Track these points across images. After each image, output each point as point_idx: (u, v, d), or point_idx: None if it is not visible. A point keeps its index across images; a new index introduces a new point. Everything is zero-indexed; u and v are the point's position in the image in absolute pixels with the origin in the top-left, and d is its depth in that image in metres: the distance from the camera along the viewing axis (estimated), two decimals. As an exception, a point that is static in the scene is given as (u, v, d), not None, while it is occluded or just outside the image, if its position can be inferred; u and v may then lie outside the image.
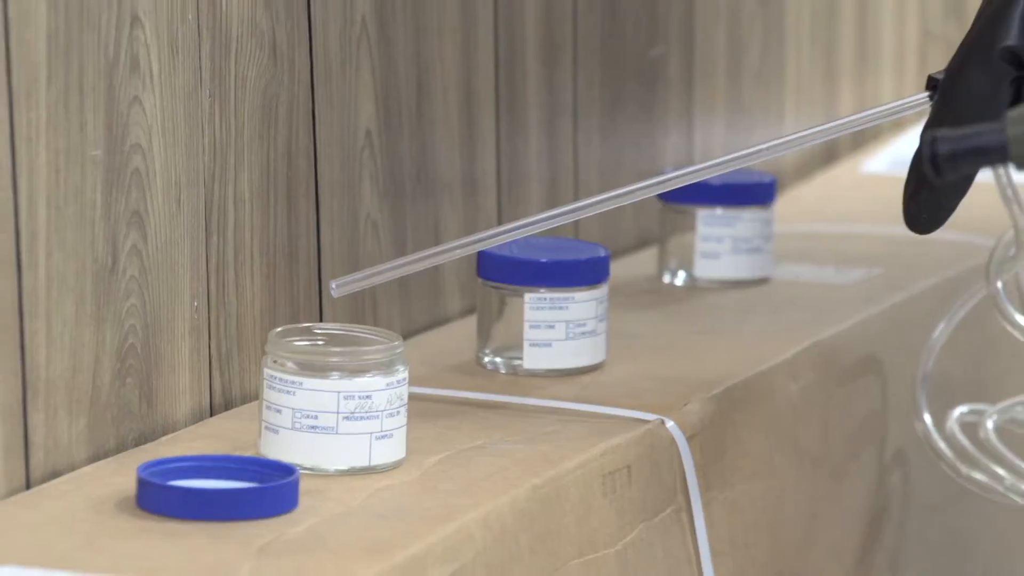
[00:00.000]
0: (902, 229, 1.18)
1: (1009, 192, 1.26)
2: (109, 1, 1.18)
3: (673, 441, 1.27)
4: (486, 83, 1.53)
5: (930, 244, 1.21)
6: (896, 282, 1.57)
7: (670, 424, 1.27)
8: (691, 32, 1.76)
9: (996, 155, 1.01)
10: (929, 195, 1.18)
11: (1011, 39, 1.16)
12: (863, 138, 2.03)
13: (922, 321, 1.43)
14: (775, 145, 1.27)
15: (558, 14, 1.59)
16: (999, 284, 1.29)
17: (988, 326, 1.35)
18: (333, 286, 1.26)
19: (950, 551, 1.54)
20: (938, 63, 1.99)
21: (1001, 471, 1.32)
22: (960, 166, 1.02)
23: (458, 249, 1.27)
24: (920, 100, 1.21)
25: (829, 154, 1.98)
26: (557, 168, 1.60)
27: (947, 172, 1.02)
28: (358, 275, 1.27)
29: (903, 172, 1.18)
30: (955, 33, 2.09)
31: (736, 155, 1.27)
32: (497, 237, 1.27)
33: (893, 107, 1.25)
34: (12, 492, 1.13)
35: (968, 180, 1.17)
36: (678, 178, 1.28)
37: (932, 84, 1.18)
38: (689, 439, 1.27)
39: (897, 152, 1.98)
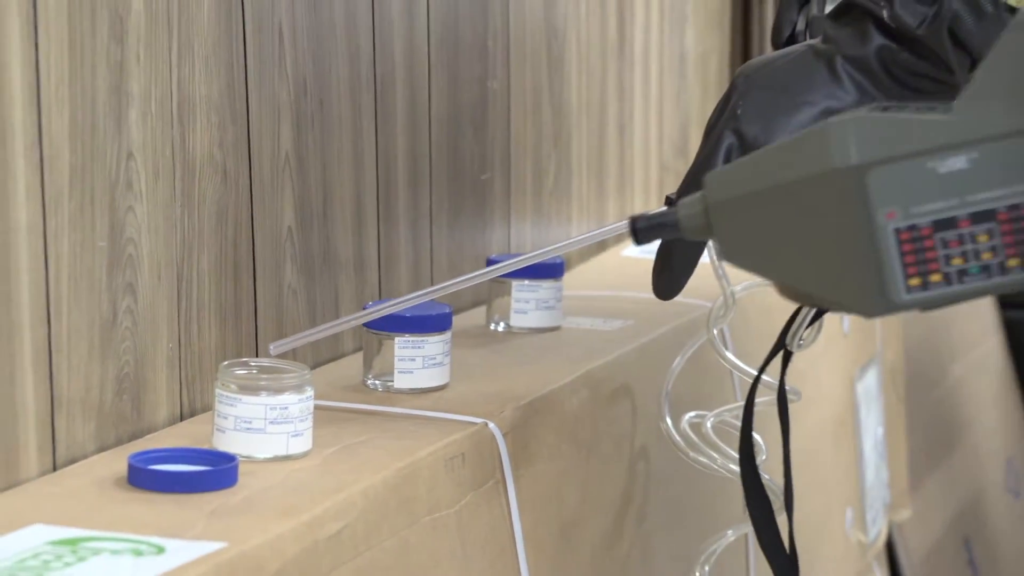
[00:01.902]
0: (649, 295, 1.14)
1: (720, 271, 1.23)
2: (112, 142, 1.18)
3: (493, 436, 1.25)
4: (370, 196, 1.50)
5: (668, 304, 1.17)
6: (644, 329, 1.54)
7: (491, 425, 1.25)
8: (508, 163, 1.73)
9: (672, 228, 1.01)
10: (669, 274, 1.13)
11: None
12: (623, 234, 1.93)
13: (662, 356, 1.40)
14: (560, 246, 1.23)
15: (419, 151, 1.57)
16: (715, 331, 1.27)
17: (707, 359, 1.33)
18: (271, 348, 1.22)
19: (677, 508, 1.51)
20: (671, 186, 2.00)
21: (715, 455, 1.31)
22: (651, 235, 1.02)
23: (356, 319, 1.26)
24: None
25: (600, 245, 1.91)
26: (419, 254, 1.58)
27: (643, 240, 1.03)
28: (288, 340, 1.23)
29: (651, 257, 1.15)
30: (682, 167, 2.05)
31: (533, 254, 1.24)
32: (384, 310, 1.25)
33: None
34: (43, 473, 1.13)
35: (692, 265, 1.13)
36: (503, 268, 1.25)
37: (668, 201, 1.12)
38: (504, 435, 1.26)
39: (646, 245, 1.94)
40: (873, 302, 0.95)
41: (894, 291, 0.95)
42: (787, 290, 1.01)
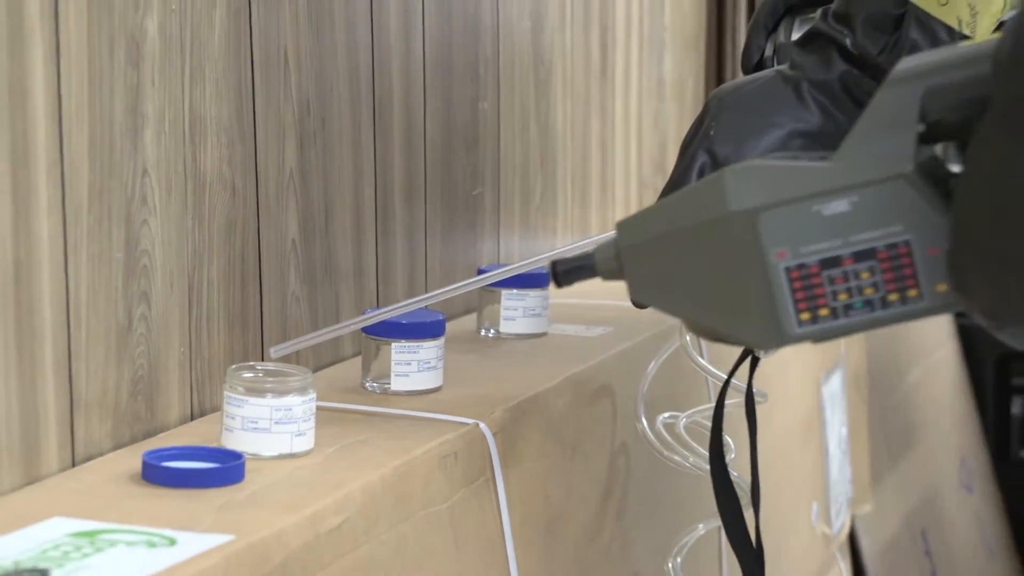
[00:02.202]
0: (627, 302, 1.11)
1: None
2: (128, 160, 1.18)
3: (484, 436, 1.25)
4: (369, 210, 1.49)
5: (646, 313, 1.13)
6: (623, 336, 1.53)
7: (482, 425, 1.25)
8: (498, 179, 1.72)
9: (589, 271, 1.03)
10: None
11: None
12: None
13: (640, 360, 1.40)
14: (547, 256, 1.25)
15: (415, 168, 1.56)
16: (688, 338, 1.27)
17: (681, 364, 1.32)
18: (272, 352, 1.23)
19: (654, 503, 1.50)
20: (650, 201, 2.02)
21: (688, 454, 1.31)
22: (571, 277, 1.04)
23: (353, 325, 1.27)
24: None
25: None
26: (414, 264, 1.57)
27: (564, 283, 1.05)
28: (288, 344, 1.25)
29: None
30: (660, 183, 2.04)
31: (516, 265, 1.27)
32: (378, 316, 1.27)
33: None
34: (63, 469, 1.13)
35: None
36: (493, 276, 1.30)
37: None
38: (494, 435, 1.25)
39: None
40: (768, 336, 0.97)
41: (787, 325, 0.97)
42: (694, 326, 1.03)
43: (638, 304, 1.12)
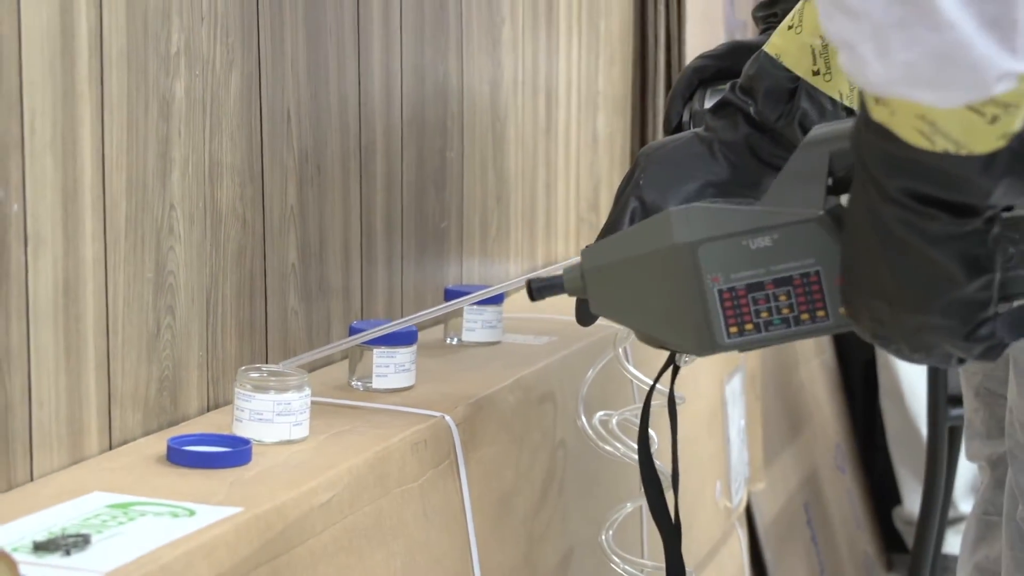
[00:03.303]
0: (570, 317, 1.12)
1: None
2: (158, 197, 1.17)
3: (449, 427, 1.24)
4: (355, 240, 1.47)
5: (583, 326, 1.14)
6: (565, 344, 1.52)
7: (447, 418, 1.24)
8: (461, 215, 1.70)
9: (559, 288, 1.05)
10: (587, 307, 1.09)
11: (624, 229, 1.08)
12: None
13: (579, 366, 1.40)
14: (504, 286, 1.29)
15: (393, 205, 1.54)
16: (620, 350, 1.26)
17: (614, 370, 1.29)
18: (282, 365, 1.21)
19: (589, 484, 1.49)
20: (586, 233, 2.02)
21: (619, 445, 1.31)
22: (544, 293, 1.06)
23: (349, 343, 1.28)
24: (577, 260, 1.09)
25: None
26: (392, 284, 1.54)
27: (537, 298, 1.06)
28: (293, 360, 1.23)
29: None
30: (594, 219, 2.07)
31: (481, 292, 1.29)
32: (377, 332, 1.27)
33: (568, 264, 1.18)
34: (101, 452, 1.13)
35: None
36: (464, 301, 1.29)
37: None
38: (457, 426, 1.25)
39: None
40: (703, 345, 0.98)
41: (718, 337, 0.98)
42: (643, 336, 1.04)
43: (582, 322, 1.12)
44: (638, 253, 0.99)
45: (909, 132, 0.80)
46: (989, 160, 0.80)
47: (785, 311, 0.97)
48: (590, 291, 1.02)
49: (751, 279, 0.96)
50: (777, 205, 0.96)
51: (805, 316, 0.96)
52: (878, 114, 0.81)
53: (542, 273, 1.09)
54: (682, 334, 0.99)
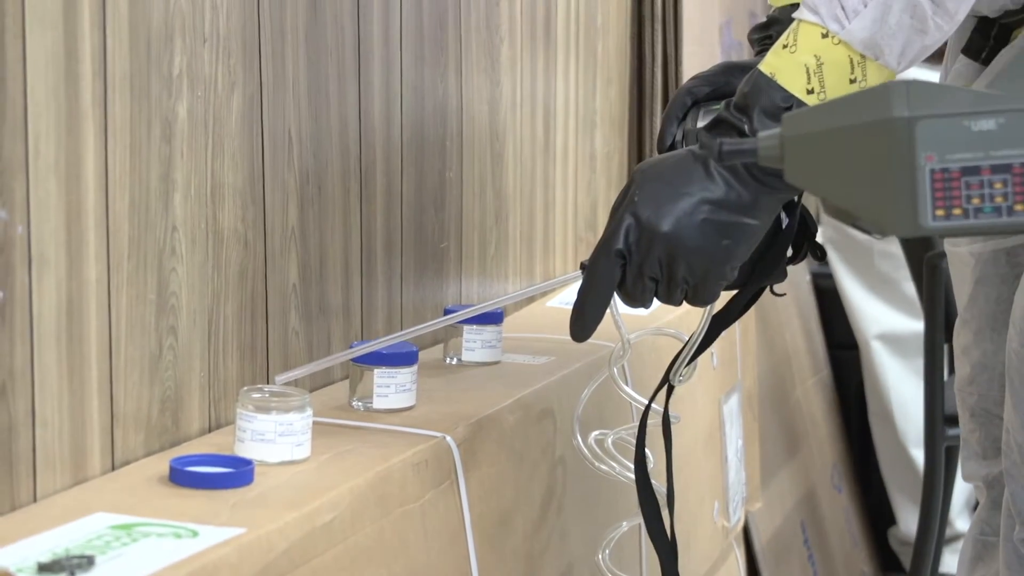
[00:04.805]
0: (566, 335, 1.13)
1: (619, 322, 1.18)
2: (160, 218, 1.18)
3: (450, 447, 1.24)
4: (355, 260, 1.47)
5: (582, 345, 1.15)
6: (563, 364, 1.52)
7: (448, 438, 1.24)
8: (460, 235, 1.70)
9: (751, 154, 0.99)
10: (582, 322, 1.11)
11: (619, 245, 1.08)
12: (547, 290, 1.90)
13: (577, 385, 1.37)
14: (501, 300, 1.30)
15: (393, 225, 1.55)
16: (615, 369, 1.25)
17: (610, 389, 1.29)
18: (277, 379, 1.23)
19: (587, 503, 1.49)
20: (584, 252, 2.03)
21: (615, 464, 1.30)
22: (732, 157, 1.00)
23: (342, 357, 1.29)
24: (574, 275, 1.15)
25: (530, 298, 1.87)
26: (391, 304, 1.54)
27: (724, 160, 1.01)
28: (289, 373, 1.24)
29: (569, 306, 1.13)
30: (592, 238, 2.06)
31: (478, 306, 1.29)
32: (362, 349, 1.28)
33: (564, 278, 1.24)
34: (104, 472, 1.13)
35: (600, 315, 1.11)
36: (459, 316, 1.31)
37: (582, 266, 1.12)
38: (458, 446, 1.25)
39: (563, 297, 1.89)
40: (904, 224, 0.94)
41: (923, 217, 0.93)
42: (835, 210, 0.99)
43: (577, 338, 1.12)
44: (850, 123, 0.94)
45: None
46: None
47: (999, 199, 0.92)
48: (788, 159, 0.97)
49: (968, 162, 0.92)
50: (1006, 91, 0.92)
51: (1020, 207, 0.92)
52: None
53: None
54: (883, 211, 0.94)
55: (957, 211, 0.93)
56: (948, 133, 0.93)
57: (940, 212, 0.93)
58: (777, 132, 0.97)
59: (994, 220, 0.93)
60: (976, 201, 0.93)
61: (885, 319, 2.91)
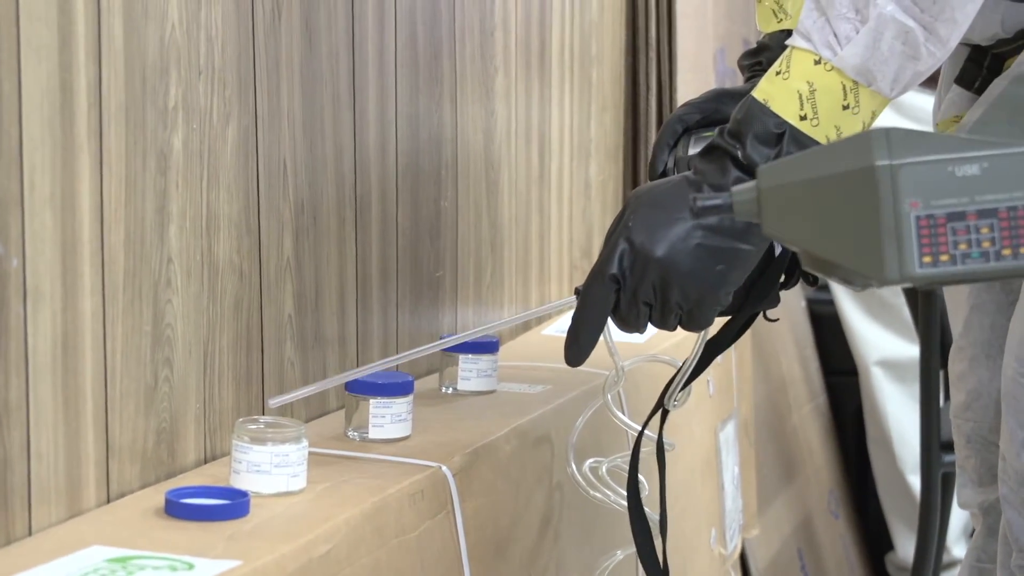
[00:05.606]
0: (562, 364, 1.12)
1: (612, 349, 1.19)
2: (156, 250, 1.18)
3: (446, 477, 1.24)
4: (351, 289, 1.47)
5: (578, 373, 1.17)
6: (559, 393, 1.52)
7: (444, 468, 1.24)
8: (456, 263, 1.70)
9: (725, 208, 0.97)
10: (577, 347, 1.11)
11: (613, 270, 1.08)
12: (543, 317, 1.93)
13: (573, 413, 1.38)
14: (494, 325, 1.31)
15: (388, 254, 1.55)
16: (608, 396, 1.25)
17: (605, 417, 1.28)
18: (270, 402, 1.24)
19: (583, 531, 1.49)
20: (579, 280, 2.03)
21: (608, 492, 1.30)
22: (707, 213, 0.97)
23: (338, 380, 1.28)
24: (568, 301, 1.15)
25: (525, 327, 1.89)
26: (387, 333, 1.54)
27: (700, 216, 0.98)
28: (283, 397, 1.24)
29: (563, 334, 1.12)
30: (587, 265, 2.04)
31: (473, 331, 1.29)
32: (359, 372, 1.29)
33: (558, 304, 1.25)
34: (99, 505, 1.13)
35: (594, 341, 1.11)
36: (450, 341, 1.30)
37: (576, 291, 1.11)
38: (454, 475, 1.25)
39: (559, 325, 1.90)
40: (891, 272, 0.92)
41: (910, 266, 0.92)
42: (816, 262, 0.97)
43: (572, 363, 1.12)
44: (829, 172, 0.92)
45: None
46: None
47: (985, 244, 0.91)
48: (765, 212, 0.95)
49: (954, 208, 0.91)
50: (988, 135, 0.92)
51: (1007, 251, 0.91)
52: None
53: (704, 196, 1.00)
54: (868, 260, 0.92)
55: (944, 257, 0.92)
56: (932, 179, 0.92)
57: (927, 259, 0.92)
58: (752, 185, 0.96)
59: (982, 265, 0.92)
60: (963, 247, 0.92)
61: (885, 345, 2.91)
